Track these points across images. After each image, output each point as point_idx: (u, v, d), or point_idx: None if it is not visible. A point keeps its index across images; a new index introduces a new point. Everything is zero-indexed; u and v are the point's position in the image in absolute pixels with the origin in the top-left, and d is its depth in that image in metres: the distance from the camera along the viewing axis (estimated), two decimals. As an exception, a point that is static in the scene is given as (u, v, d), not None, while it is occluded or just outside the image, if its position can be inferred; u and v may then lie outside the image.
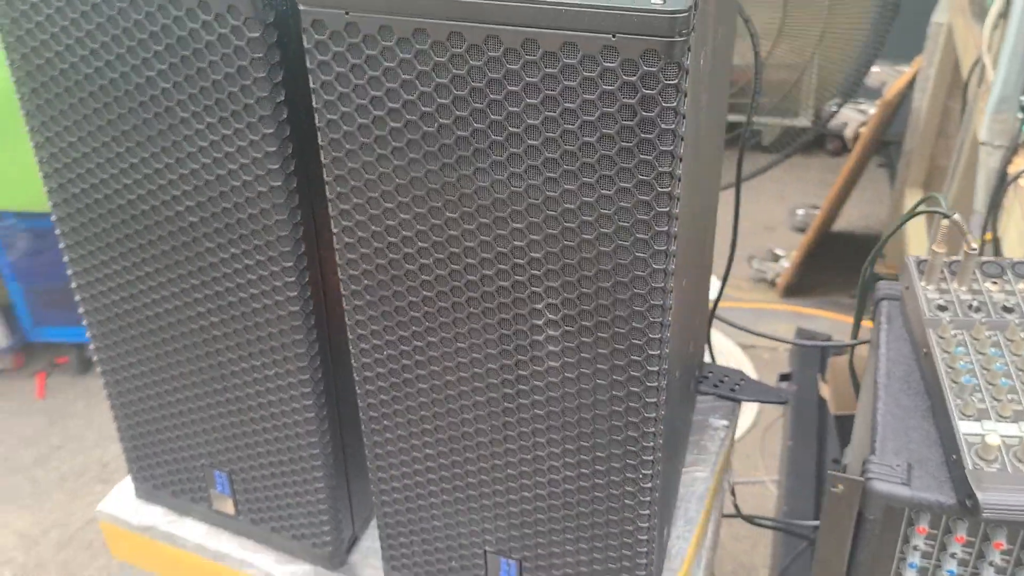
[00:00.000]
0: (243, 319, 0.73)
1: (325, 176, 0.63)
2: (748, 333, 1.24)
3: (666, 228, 0.56)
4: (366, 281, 0.66)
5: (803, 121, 2.76)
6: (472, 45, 0.54)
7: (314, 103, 0.60)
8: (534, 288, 0.62)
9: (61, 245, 0.78)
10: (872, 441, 0.87)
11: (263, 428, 0.79)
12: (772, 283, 2.71)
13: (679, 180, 0.55)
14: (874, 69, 2.69)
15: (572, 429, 0.67)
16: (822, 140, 3.39)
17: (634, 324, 0.60)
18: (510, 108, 0.55)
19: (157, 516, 0.92)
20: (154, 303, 0.77)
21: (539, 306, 0.62)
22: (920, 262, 0.97)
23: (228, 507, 0.87)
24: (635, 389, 0.63)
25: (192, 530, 0.90)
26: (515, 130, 0.56)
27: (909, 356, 0.95)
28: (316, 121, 0.60)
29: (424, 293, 0.65)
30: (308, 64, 0.58)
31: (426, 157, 0.59)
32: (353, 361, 0.71)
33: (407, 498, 0.77)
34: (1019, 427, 0.79)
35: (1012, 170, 1.39)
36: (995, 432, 0.79)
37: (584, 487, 0.69)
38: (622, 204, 0.56)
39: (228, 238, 0.69)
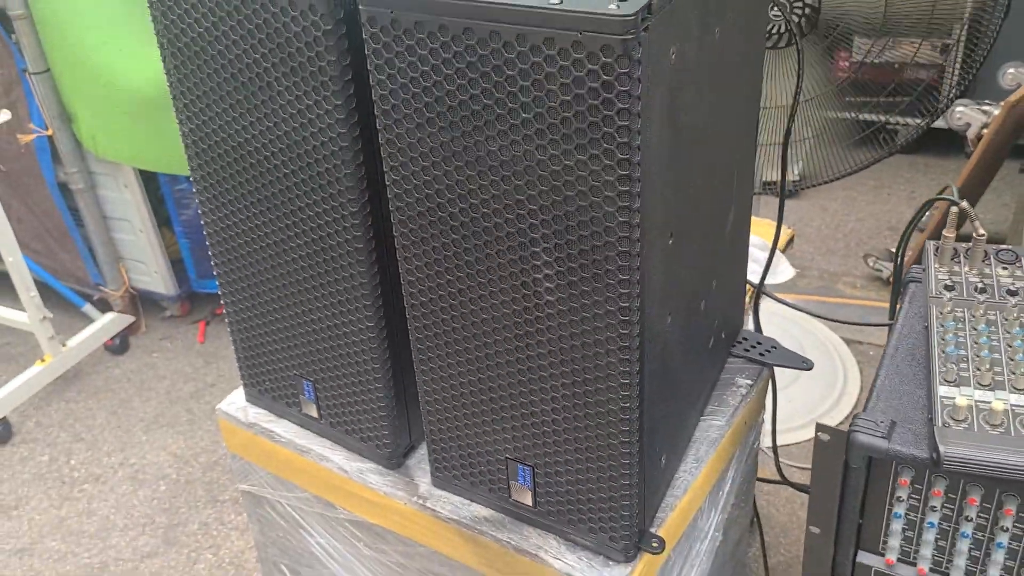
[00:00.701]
0: (322, 253, 0.92)
1: (380, 139, 0.80)
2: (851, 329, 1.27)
3: (628, 188, 0.70)
4: (411, 225, 0.84)
5: (940, 122, 2.73)
6: (480, 38, 0.70)
7: (370, 80, 0.77)
8: (532, 235, 0.77)
9: (194, 189, 1.00)
10: (866, 401, 0.96)
11: (338, 345, 0.98)
12: (887, 282, 2.70)
13: (638, 149, 0.69)
14: (1010, 70, 2.63)
15: (567, 354, 0.82)
16: (962, 143, 3.30)
17: (608, 267, 0.74)
18: (509, 88, 0.71)
19: (260, 416, 1.14)
20: (259, 238, 0.97)
21: (537, 249, 0.78)
22: (937, 247, 1.04)
23: (313, 411, 1.07)
24: (612, 322, 0.77)
25: (285, 429, 1.11)
26: (514, 106, 0.71)
27: (921, 332, 1.03)
28: (373, 94, 0.78)
29: (453, 236, 0.82)
30: (366, 50, 0.76)
31: (451, 125, 0.76)
32: (404, 292, 0.89)
33: (447, 409, 0.94)
34: (994, 394, 0.87)
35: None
36: (968, 396, 0.87)
37: (579, 404, 0.84)
38: (593, 168, 0.70)
39: (311, 187, 0.88)
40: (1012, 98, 2.25)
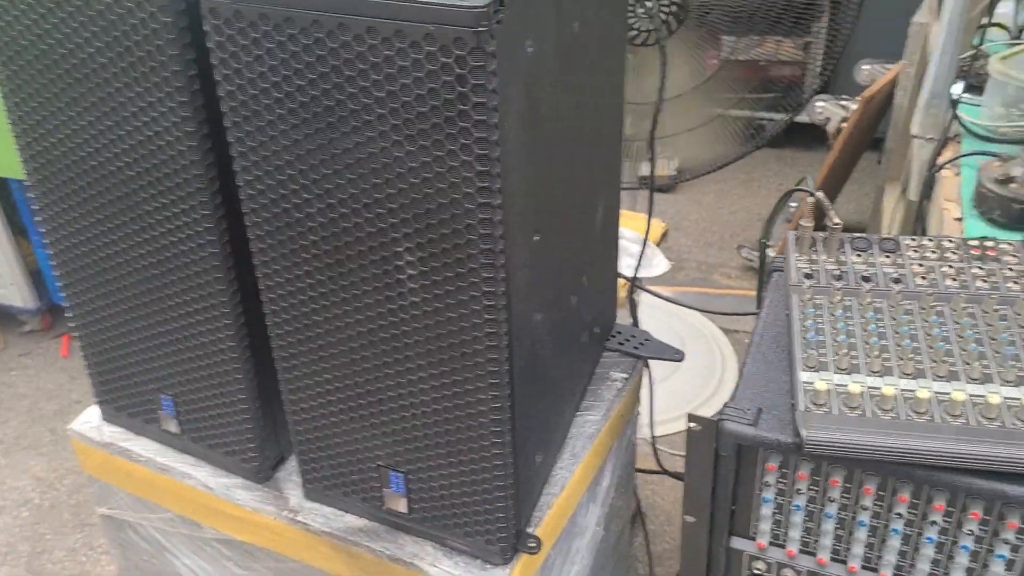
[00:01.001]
0: (174, 260, 0.87)
1: (228, 137, 0.76)
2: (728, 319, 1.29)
3: (487, 185, 0.68)
4: (267, 227, 0.80)
5: (804, 117, 2.84)
6: (329, 31, 0.67)
7: (215, 76, 0.73)
8: (394, 235, 0.75)
9: (31, 196, 0.93)
10: (734, 390, 0.98)
11: (196, 356, 0.93)
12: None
13: (496, 145, 0.67)
14: (864, 67, 2.76)
15: (435, 356, 0.80)
16: (824, 136, 3.45)
17: (471, 265, 0.73)
18: (362, 83, 0.68)
19: (117, 435, 1.07)
20: (106, 246, 0.91)
21: (399, 249, 0.75)
22: (797, 236, 1.07)
23: (173, 427, 1.02)
24: (478, 321, 0.75)
25: (145, 447, 1.05)
26: (367, 102, 0.69)
27: (784, 320, 1.06)
28: (218, 91, 0.74)
29: (311, 237, 0.78)
30: (208, 44, 0.72)
31: (303, 123, 0.72)
32: (263, 298, 0.85)
33: (314, 418, 0.91)
34: (851, 377, 0.90)
35: (941, 161, 1.48)
36: (827, 381, 0.90)
37: (448, 407, 0.82)
38: (451, 165, 0.69)
39: (158, 190, 0.83)
40: (867, 93, 2.36)
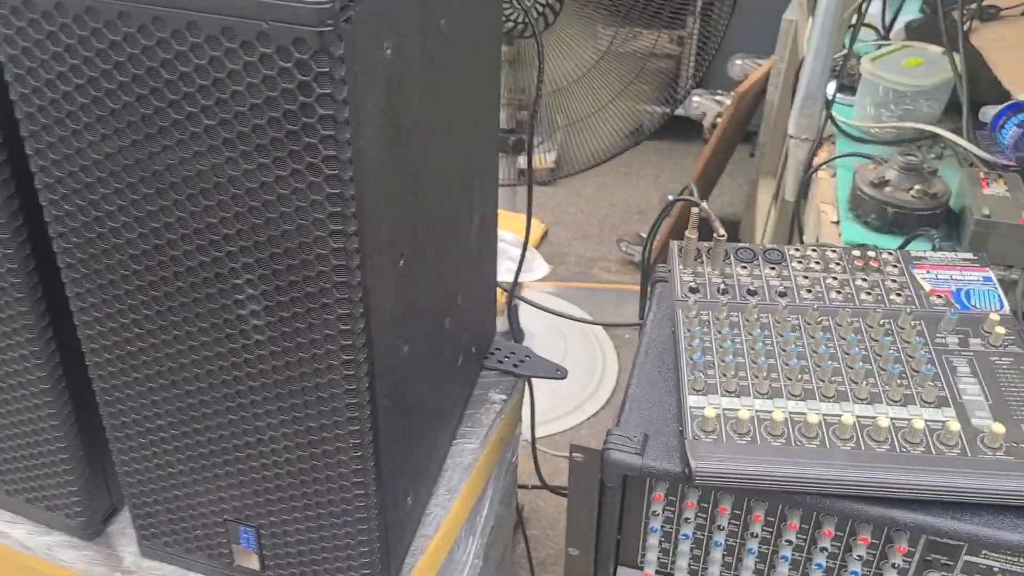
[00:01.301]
0: (-31, 291, 0.74)
1: (27, 149, 0.63)
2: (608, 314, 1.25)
3: (340, 209, 0.59)
4: (79, 254, 0.68)
5: (681, 110, 2.85)
6: (141, 25, 0.56)
7: (5, 75, 0.60)
8: (232, 264, 0.64)
9: None
10: (619, 414, 0.92)
11: (4, 400, 0.80)
12: (639, 265, 2.79)
13: (349, 163, 0.58)
14: (737, 62, 2.79)
15: (285, 400, 0.70)
16: (701, 129, 3.49)
17: (324, 300, 0.63)
18: (185, 89, 0.57)
19: (-86, 489, 0.92)
20: None
21: (239, 281, 0.65)
22: (680, 247, 1.02)
23: (-18, 479, 0.87)
24: (334, 362, 0.66)
25: (-51, 502, 0.90)
26: (193, 111, 0.58)
27: (669, 336, 1.00)
28: (11, 94, 0.61)
29: (134, 267, 0.67)
30: (-7, 38, 0.59)
31: (116, 133, 0.61)
32: (79, 334, 0.72)
33: (148, 468, 0.79)
34: (740, 400, 0.85)
35: (816, 162, 1.47)
36: (716, 406, 0.85)
37: (304, 456, 0.72)
38: (297, 184, 0.59)
39: (-58, 209, 0.69)
40: (740, 89, 2.37)
